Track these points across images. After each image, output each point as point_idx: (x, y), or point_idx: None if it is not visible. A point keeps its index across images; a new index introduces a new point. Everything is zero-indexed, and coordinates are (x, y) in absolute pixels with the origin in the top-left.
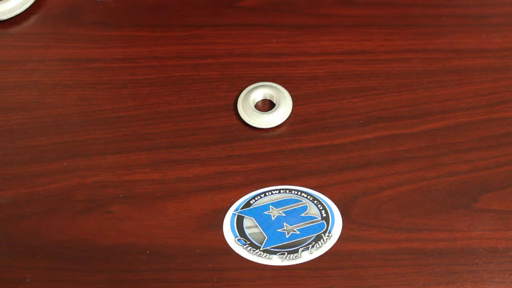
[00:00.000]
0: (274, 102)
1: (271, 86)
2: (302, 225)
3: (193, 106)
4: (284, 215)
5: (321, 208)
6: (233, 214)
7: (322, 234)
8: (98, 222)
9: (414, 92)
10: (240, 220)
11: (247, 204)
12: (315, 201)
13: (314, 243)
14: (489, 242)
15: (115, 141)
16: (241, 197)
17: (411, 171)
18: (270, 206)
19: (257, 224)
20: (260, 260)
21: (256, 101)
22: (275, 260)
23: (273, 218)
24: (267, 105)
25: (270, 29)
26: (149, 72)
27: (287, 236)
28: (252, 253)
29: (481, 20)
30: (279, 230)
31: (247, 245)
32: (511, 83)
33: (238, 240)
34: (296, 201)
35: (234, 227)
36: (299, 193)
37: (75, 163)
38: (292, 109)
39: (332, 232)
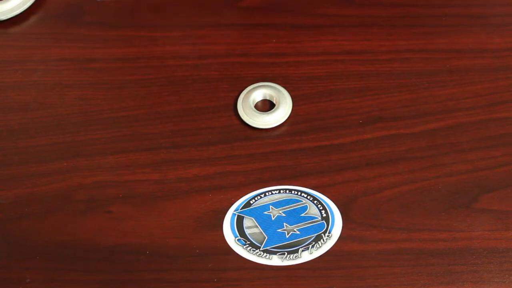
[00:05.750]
0: (274, 102)
1: (271, 86)
2: (302, 225)
3: (193, 106)
4: (284, 215)
5: (321, 208)
6: (233, 214)
7: (322, 234)
8: (98, 222)
9: (414, 92)
10: (240, 220)
11: (247, 204)
12: (315, 201)
13: (314, 243)
14: (489, 242)
15: (115, 141)
16: (241, 197)
17: (411, 171)
18: (270, 206)
19: (257, 224)
20: (260, 260)
21: (256, 101)
22: (275, 260)
23: (273, 218)
24: (267, 105)
25: (270, 29)
26: (149, 72)
27: (287, 236)
28: (252, 253)
29: (481, 20)
30: (279, 230)
31: (247, 245)
32: (511, 83)
33: (238, 240)
34: (296, 201)
35: (234, 227)
36: (299, 193)
37: (75, 163)
38: (292, 109)
39: (332, 232)
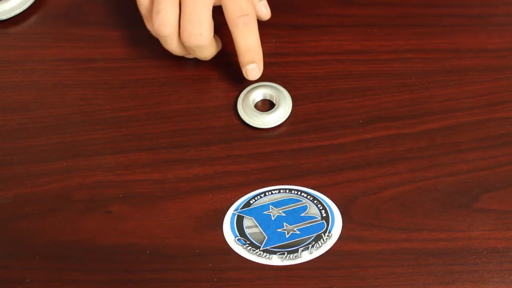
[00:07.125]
0: (274, 102)
1: (271, 86)
2: (302, 225)
3: (193, 106)
4: (284, 215)
5: (321, 208)
6: (233, 214)
7: (322, 234)
8: (98, 222)
9: (414, 92)
10: (240, 220)
11: (247, 204)
12: (315, 201)
13: (314, 243)
14: (489, 242)
15: (115, 141)
16: (241, 197)
17: (411, 171)
18: (270, 206)
19: (257, 224)
20: (260, 260)
21: (256, 101)
22: (275, 260)
23: (273, 218)
24: (267, 105)
25: (270, 29)
26: (149, 72)
27: (287, 236)
28: (252, 253)
29: (481, 20)
30: (279, 230)
31: (247, 245)
32: (511, 83)
33: (238, 240)
34: (296, 201)
35: (234, 227)
36: (299, 193)
37: (75, 163)
38: (292, 109)
39: (332, 232)
